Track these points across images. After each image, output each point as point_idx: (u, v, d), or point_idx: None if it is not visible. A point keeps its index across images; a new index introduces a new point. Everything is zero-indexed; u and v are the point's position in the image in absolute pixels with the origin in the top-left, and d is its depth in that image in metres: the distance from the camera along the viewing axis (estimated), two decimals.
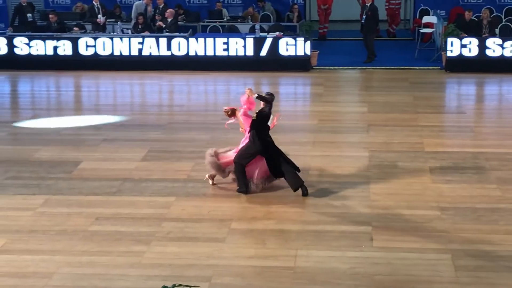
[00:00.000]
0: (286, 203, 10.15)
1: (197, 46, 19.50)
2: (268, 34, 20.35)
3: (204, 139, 13.24)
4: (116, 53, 19.69)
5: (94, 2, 21.06)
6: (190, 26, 21.73)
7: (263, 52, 19.46)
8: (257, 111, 10.63)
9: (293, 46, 19.34)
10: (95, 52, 19.72)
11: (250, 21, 22.48)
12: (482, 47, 19.00)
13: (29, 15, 21.31)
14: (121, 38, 19.69)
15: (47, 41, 19.66)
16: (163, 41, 19.50)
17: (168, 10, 20.77)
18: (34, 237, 9.12)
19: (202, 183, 10.95)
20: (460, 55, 19.08)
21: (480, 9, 21.40)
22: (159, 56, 19.62)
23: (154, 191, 10.69)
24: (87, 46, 19.66)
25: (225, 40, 19.59)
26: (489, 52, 19.02)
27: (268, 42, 19.40)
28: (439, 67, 19.75)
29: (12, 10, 22.28)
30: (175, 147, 12.89)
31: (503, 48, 18.98)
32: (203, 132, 13.74)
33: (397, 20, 25.08)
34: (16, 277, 8.10)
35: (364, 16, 20.49)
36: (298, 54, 19.40)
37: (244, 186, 10.52)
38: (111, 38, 19.74)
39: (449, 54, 19.15)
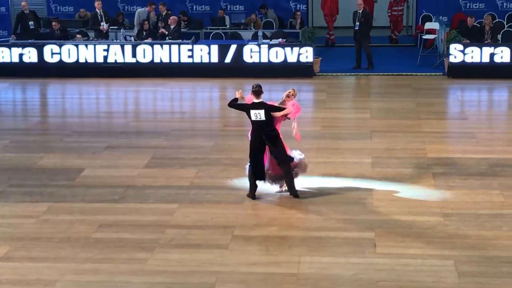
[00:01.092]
0: (289, 210, 10.15)
1: (201, 52, 19.56)
2: (270, 40, 20.37)
3: (207, 146, 13.25)
4: (112, 60, 19.73)
5: (97, 10, 21.10)
6: (193, 33, 21.77)
7: (265, 59, 19.47)
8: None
9: (295, 53, 19.36)
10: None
11: (253, 27, 22.51)
12: (485, 53, 19.00)
13: (31, 22, 21.34)
14: (104, 45, 19.75)
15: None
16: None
17: (170, 17, 20.80)
18: (37, 245, 9.12)
19: (205, 190, 10.96)
20: (463, 61, 19.08)
21: (482, 15, 21.41)
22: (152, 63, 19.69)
23: (157, 198, 10.69)
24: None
25: (226, 46, 19.63)
26: (491, 58, 19.02)
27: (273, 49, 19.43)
28: (442, 73, 19.76)
29: (15, 18, 22.33)
30: (178, 154, 12.89)
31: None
32: (206, 139, 13.75)
33: (399, 27, 25.11)
34: (19, 284, 8.10)
35: (357, 23, 20.44)
36: (300, 60, 19.41)
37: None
38: (108, 45, 19.79)
39: (451, 60, 19.16)
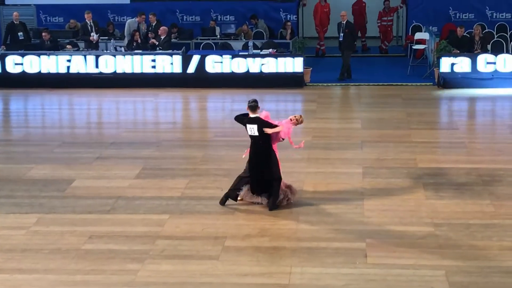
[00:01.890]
0: (280, 220, 10.14)
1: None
2: (261, 51, 20.40)
3: (198, 156, 13.24)
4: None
5: (87, 20, 21.08)
6: (184, 43, 21.78)
7: (255, 69, 19.49)
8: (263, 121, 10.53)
9: (285, 63, 19.40)
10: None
11: (243, 38, 22.53)
12: (474, 63, 19.08)
13: (20, 33, 21.32)
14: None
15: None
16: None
17: (161, 28, 20.81)
18: (27, 256, 9.08)
19: (196, 201, 10.94)
20: (452, 71, 19.15)
21: (472, 25, 21.48)
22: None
23: (148, 209, 10.67)
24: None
25: (218, 57, 19.64)
26: (481, 68, 19.10)
27: (263, 59, 19.46)
28: (432, 83, 19.81)
29: (5, 29, 22.30)
30: (168, 165, 12.87)
31: (495, 64, 19.07)
32: (196, 150, 13.74)
33: (389, 37, 25.18)
34: None
35: (341, 34, 20.51)
36: (290, 71, 19.44)
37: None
38: (107, 55, 19.79)
39: (441, 70, 19.22)
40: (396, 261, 8.78)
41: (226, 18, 25.21)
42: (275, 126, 10.54)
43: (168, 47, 20.43)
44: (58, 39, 21.39)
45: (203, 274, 8.49)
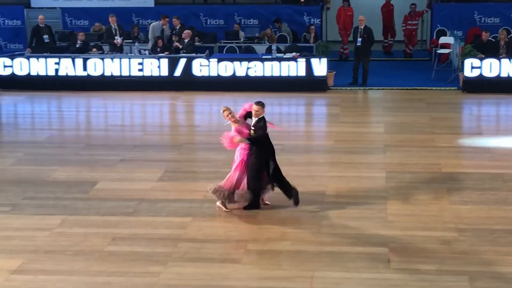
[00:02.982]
0: (302, 224, 10.13)
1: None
2: (284, 54, 20.39)
3: (220, 159, 13.23)
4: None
5: (111, 23, 21.19)
6: (207, 47, 21.82)
7: (276, 73, 19.48)
8: (254, 126, 10.48)
9: (309, 67, 19.36)
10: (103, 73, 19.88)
11: (267, 41, 22.54)
12: (499, 67, 18.95)
13: (45, 36, 21.47)
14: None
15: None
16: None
17: (185, 31, 20.85)
18: (51, 258, 9.13)
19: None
20: (478, 76, 19.03)
21: (497, 29, 21.34)
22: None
23: (171, 212, 10.69)
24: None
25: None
26: (506, 73, 18.96)
27: (285, 63, 19.44)
28: (456, 88, 19.69)
29: (30, 31, 22.47)
30: (191, 168, 12.90)
31: None
32: (219, 153, 13.70)
33: (414, 41, 25.09)
34: None
35: (359, 39, 20.34)
36: (314, 74, 19.41)
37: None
38: (125, 59, 19.89)
39: (466, 74, 19.10)
40: (419, 267, 8.73)
41: (250, 21, 25.22)
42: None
43: (192, 50, 20.48)
44: (89, 42, 21.55)
45: (225, 277, 8.49)
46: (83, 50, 20.73)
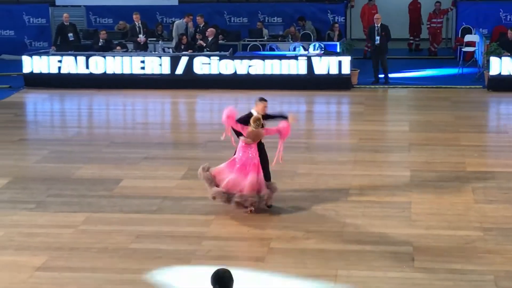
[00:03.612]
0: (326, 223, 10.10)
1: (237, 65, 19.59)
2: (308, 52, 20.34)
3: None
4: (151, 71, 19.87)
5: (135, 21, 21.25)
6: (231, 45, 21.82)
7: (302, 71, 19.44)
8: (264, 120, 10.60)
9: (333, 65, 19.31)
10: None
11: (291, 39, 22.50)
12: None
13: (70, 34, 21.57)
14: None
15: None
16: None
17: (208, 29, 20.86)
18: (75, 255, 9.18)
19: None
20: (503, 74, 18.87)
21: None
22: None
23: (194, 209, 10.71)
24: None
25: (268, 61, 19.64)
26: None
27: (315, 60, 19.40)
28: (481, 86, 19.54)
29: (55, 30, 22.58)
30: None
31: None
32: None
33: (438, 39, 24.93)
34: None
35: (377, 37, 20.19)
36: (338, 72, 19.35)
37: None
38: (155, 56, 19.94)
39: (491, 73, 18.96)
40: (444, 266, 8.68)
41: (274, 19, 25.19)
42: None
43: (215, 48, 20.49)
44: (112, 40, 21.63)
45: (249, 275, 8.48)
46: (106, 48, 20.80)
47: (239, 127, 10.46)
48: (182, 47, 20.50)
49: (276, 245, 9.38)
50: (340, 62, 19.36)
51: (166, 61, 19.79)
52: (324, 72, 19.40)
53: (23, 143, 14.91)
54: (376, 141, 14.51)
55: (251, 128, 10.38)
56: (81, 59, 20.01)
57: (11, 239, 9.69)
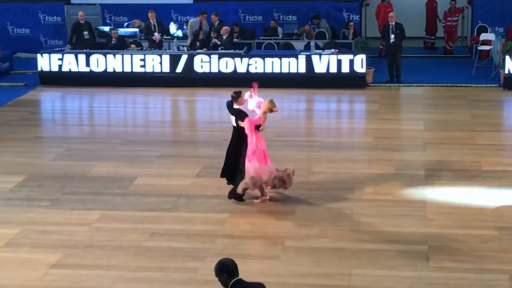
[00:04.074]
0: (340, 221, 10.08)
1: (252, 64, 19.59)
2: (323, 51, 20.29)
3: None
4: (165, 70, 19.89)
5: (150, 20, 21.27)
6: (245, 43, 21.80)
7: (318, 69, 19.40)
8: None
9: (348, 63, 19.27)
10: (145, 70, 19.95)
11: (305, 38, 22.46)
12: None
13: (85, 32, 21.62)
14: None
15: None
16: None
17: (223, 28, 20.86)
18: (90, 252, 9.20)
19: (256, 200, 10.92)
20: None
21: None
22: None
23: (209, 208, 10.71)
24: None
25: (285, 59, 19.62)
26: None
27: (324, 59, 19.36)
28: (497, 85, 19.43)
29: (70, 28, 22.64)
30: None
31: None
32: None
33: (454, 37, 24.81)
34: None
35: (392, 35, 20.09)
36: (353, 71, 19.29)
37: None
38: (169, 55, 19.96)
39: (507, 71, 18.85)
40: (459, 265, 8.64)
41: (288, 18, 25.15)
42: (242, 121, 10.69)
43: (230, 47, 20.48)
44: (125, 38, 21.66)
45: (263, 273, 8.47)
46: (121, 47, 20.83)
47: (260, 120, 10.66)
48: (198, 45, 20.51)
49: (291, 243, 9.36)
50: (354, 61, 19.31)
51: (182, 59, 19.79)
52: (339, 70, 19.34)
53: (38, 141, 14.96)
54: (391, 139, 14.46)
55: (264, 113, 10.67)
56: (96, 57, 20.05)
57: (27, 236, 9.74)
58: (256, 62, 19.53)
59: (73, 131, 15.95)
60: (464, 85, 19.64)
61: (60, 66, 20.21)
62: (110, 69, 20.07)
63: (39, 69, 20.38)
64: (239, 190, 10.66)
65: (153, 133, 15.61)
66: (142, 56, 19.95)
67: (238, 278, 5.77)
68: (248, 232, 9.81)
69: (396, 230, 9.72)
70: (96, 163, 12.98)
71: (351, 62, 19.34)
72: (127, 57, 19.97)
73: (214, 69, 19.71)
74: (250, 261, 8.81)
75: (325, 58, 19.41)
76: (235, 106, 10.79)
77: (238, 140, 10.83)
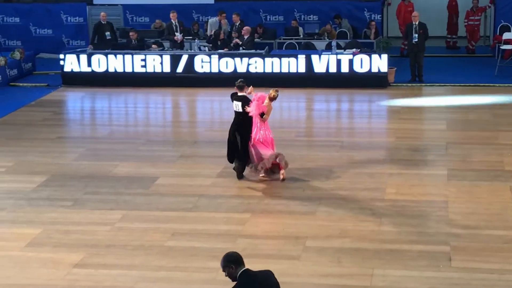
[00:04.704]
0: (361, 221, 10.05)
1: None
2: (344, 50, 20.24)
3: None
4: (199, 70, 19.91)
5: (172, 20, 21.33)
6: (267, 43, 21.79)
7: (336, 69, 19.36)
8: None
9: (369, 63, 19.20)
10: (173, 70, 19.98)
11: (327, 38, 22.41)
12: None
13: (107, 33, 21.71)
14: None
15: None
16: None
17: (244, 28, 20.87)
18: (112, 252, 9.24)
19: (277, 200, 10.94)
20: None
21: None
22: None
23: (230, 208, 10.72)
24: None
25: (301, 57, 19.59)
26: None
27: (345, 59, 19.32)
28: None
29: (92, 28, 22.73)
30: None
31: None
32: (278, 149, 13.68)
33: (476, 37, 24.66)
34: None
35: (415, 35, 19.97)
36: (374, 70, 19.24)
37: None
38: (194, 55, 19.99)
39: None
40: (481, 266, 8.59)
41: (310, 17, 25.11)
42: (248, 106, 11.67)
43: (251, 47, 20.48)
44: (145, 39, 21.72)
45: (284, 274, 8.44)
46: (142, 47, 20.90)
47: (265, 108, 11.66)
48: (219, 43, 20.54)
49: (312, 243, 9.35)
50: (376, 60, 19.25)
51: (216, 60, 19.82)
52: (361, 70, 19.30)
53: (61, 141, 15.04)
54: (413, 139, 14.39)
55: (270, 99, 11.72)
56: (118, 57, 20.14)
57: (49, 236, 9.79)
58: (273, 62, 19.55)
59: (95, 131, 16.03)
60: (486, 84, 19.52)
61: (82, 66, 20.32)
62: (129, 69, 20.14)
63: (61, 69, 20.50)
64: (261, 171, 11.73)
65: (174, 133, 15.66)
66: (165, 57, 19.98)
67: (245, 268, 5.92)
68: (269, 232, 9.80)
69: (418, 230, 9.68)
70: (118, 163, 13.03)
71: (373, 61, 19.28)
72: (149, 57, 20.04)
73: (241, 70, 19.68)
74: (271, 261, 8.81)
75: (345, 57, 19.37)
76: (240, 94, 11.68)
77: (242, 124, 11.73)
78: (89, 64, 20.27)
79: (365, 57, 19.34)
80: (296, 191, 11.28)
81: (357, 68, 19.32)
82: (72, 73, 20.39)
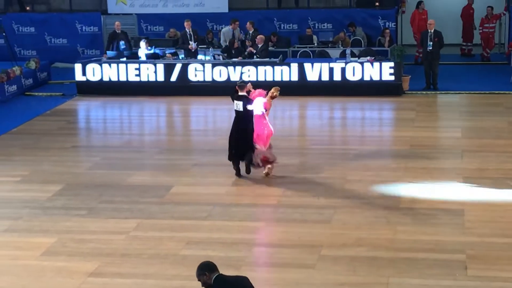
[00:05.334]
0: (377, 230, 10.02)
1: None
2: (359, 58, 20.21)
3: (294, 164, 13.21)
4: (208, 79, 19.93)
5: (186, 29, 21.38)
6: (281, 52, 21.80)
7: (353, 77, 19.33)
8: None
9: (384, 71, 19.16)
10: (187, 78, 20.01)
11: (341, 46, 22.39)
12: None
13: (122, 42, 21.77)
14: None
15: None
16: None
17: (258, 36, 20.88)
18: (127, 261, 9.24)
19: (292, 209, 10.92)
20: None
21: None
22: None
23: (244, 216, 10.71)
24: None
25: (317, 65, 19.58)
26: None
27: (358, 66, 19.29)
28: None
29: (107, 38, 22.81)
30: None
31: None
32: (293, 158, 13.72)
33: (491, 44, 24.58)
34: None
35: (430, 43, 19.91)
36: (389, 78, 19.18)
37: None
38: (203, 64, 20.01)
39: None
40: (498, 274, 8.54)
41: (324, 26, 25.08)
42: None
43: (265, 55, 20.50)
44: (160, 48, 21.78)
45: (300, 282, 8.45)
46: (155, 56, 20.95)
47: (267, 105, 12.30)
48: (233, 52, 20.56)
49: (327, 252, 9.32)
50: (390, 68, 19.19)
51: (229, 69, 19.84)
52: (375, 78, 19.26)
53: (75, 150, 15.09)
54: (428, 147, 14.35)
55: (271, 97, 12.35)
56: (132, 66, 20.21)
57: (64, 245, 9.81)
58: (286, 69, 19.55)
59: (109, 140, 16.06)
60: (501, 92, 19.44)
61: (97, 76, 20.39)
62: (144, 78, 20.19)
63: (76, 78, 20.56)
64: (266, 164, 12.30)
65: (188, 142, 15.67)
66: (178, 65, 20.02)
67: (218, 273, 6.16)
68: (284, 240, 9.78)
69: (434, 239, 9.64)
70: (133, 172, 13.05)
71: (387, 69, 19.23)
72: (159, 66, 20.09)
73: (255, 77, 19.62)
74: (286, 269, 8.80)
75: (359, 65, 19.34)
76: (241, 93, 12.17)
77: (243, 122, 12.27)
78: (104, 73, 20.34)
79: (379, 65, 19.26)
80: (311, 200, 11.26)
81: (371, 76, 19.23)
82: (87, 82, 20.43)
